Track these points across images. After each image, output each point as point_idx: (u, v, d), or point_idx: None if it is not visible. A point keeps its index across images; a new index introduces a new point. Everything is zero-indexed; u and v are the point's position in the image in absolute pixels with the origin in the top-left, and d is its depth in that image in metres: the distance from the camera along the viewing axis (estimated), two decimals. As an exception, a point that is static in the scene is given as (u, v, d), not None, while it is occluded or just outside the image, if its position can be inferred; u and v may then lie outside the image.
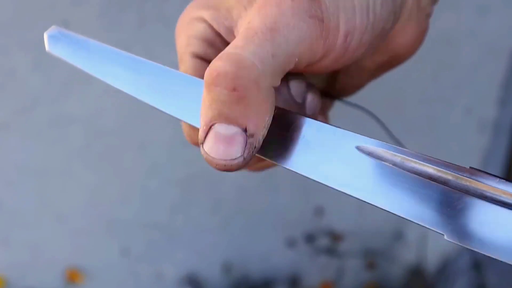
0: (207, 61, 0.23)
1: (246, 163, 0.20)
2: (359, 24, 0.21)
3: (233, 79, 0.18)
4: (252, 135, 0.19)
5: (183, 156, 0.88)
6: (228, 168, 0.19)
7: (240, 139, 0.19)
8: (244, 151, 0.19)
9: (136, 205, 0.93)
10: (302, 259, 1.05)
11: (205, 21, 0.23)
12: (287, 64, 0.20)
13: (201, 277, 1.02)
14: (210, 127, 0.19)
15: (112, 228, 0.93)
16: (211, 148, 0.19)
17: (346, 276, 1.08)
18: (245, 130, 0.19)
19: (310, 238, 1.03)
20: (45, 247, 0.92)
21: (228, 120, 0.19)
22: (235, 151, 0.19)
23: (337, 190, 0.21)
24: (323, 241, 1.04)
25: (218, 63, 0.18)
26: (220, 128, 0.19)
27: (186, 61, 0.23)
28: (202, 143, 0.20)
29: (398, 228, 1.10)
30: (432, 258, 1.14)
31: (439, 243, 1.15)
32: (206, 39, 0.23)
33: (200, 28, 0.23)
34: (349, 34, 0.21)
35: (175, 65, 0.86)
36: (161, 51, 0.84)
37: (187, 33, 0.23)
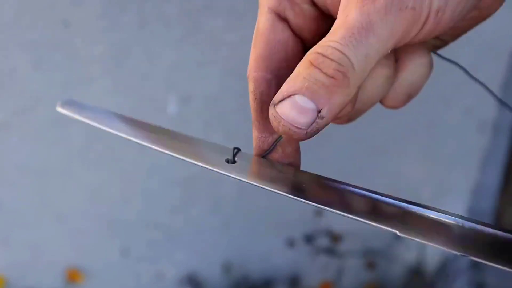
0: (281, 17, 0.25)
1: (306, 138, 0.22)
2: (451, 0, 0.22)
3: (334, 69, 0.21)
4: (322, 118, 0.21)
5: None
6: (290, 133, 0.22)
7: (312, 115, 0.21)
8: (309, 127, 0.21)
9: (137, 205, 0.93)
10: (302, 259, 1.06)
11: None
12: (379, 58, 0.22)
13: (201, 277, 1.02)
14: (290, 95, 0.21)
15: (113, 228, 0.93)
16: (284, 110, 0.21)
17: (346, 276, 1.08)
18: (319, 111, 0.21)
19: (309, 238, 1.03)
20: (45, 247, 0.92)
21: (311, 96, 0.21)
22: (304, 122, 0.21)
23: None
24: (323, 241, 1.04)
25: (326, 51, 0.21)
26: (300, 99, 0.21)
27: (263, 14, 0.25)
28: (275, 104, 0.22)
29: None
30: (431, 258, 1.14)
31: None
32: None
33: None
34: (440, 10, 0.22)
35: (176, 65, 0.86)
36: (161, 51, 0.84)
37: None
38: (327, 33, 0.22)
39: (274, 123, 0.22)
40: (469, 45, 0.98)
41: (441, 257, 1.15)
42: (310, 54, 0.22)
